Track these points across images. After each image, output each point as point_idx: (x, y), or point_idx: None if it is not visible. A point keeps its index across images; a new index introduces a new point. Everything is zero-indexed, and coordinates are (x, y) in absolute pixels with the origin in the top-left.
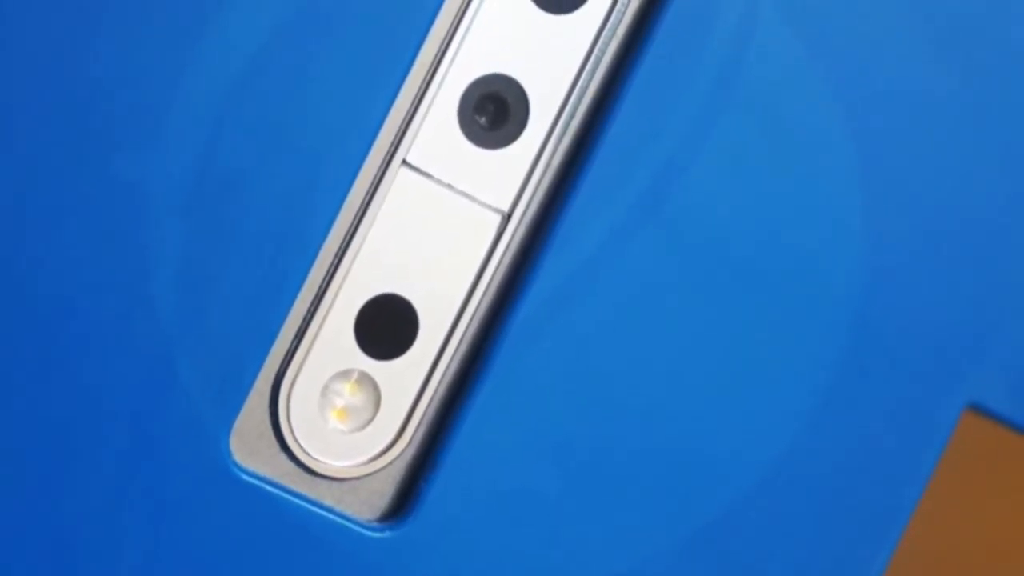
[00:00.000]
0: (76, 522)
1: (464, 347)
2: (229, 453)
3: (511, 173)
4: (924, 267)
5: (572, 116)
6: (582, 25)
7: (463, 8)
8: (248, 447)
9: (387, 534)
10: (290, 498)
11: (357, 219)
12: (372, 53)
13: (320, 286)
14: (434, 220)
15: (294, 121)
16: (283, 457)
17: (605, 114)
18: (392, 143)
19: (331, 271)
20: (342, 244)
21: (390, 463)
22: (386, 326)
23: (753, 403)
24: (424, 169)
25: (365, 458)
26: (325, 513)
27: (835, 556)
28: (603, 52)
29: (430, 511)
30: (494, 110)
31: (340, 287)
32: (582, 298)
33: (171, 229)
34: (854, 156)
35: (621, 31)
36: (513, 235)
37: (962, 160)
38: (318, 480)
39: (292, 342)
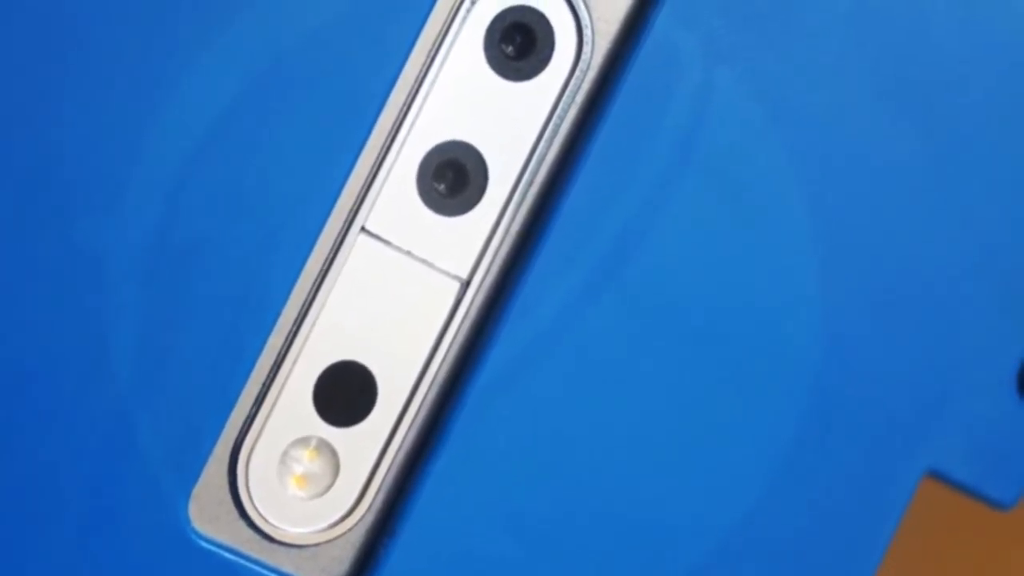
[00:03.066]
0: None
1: (423, 414)
2: (188, 519)
3: (470, 240)
4: (882, 333)
5: (531, 183)
6: (541, 92)
7: (422, 75)
8: (207, 513)
9: None
10: (249, 565)
11: (316, 286)
12: (331, 120)
13: (279, 353)
14: (393, 287)
15: (253, 188)
16: (242, 524)
17: (564, 181)
18: (351, 210)
19: (290, 338)
20: (301, 311)
21: (349, 530)
22: (345, 393)
23: (713, 469)
24: (383, 236)
25: (324, 525)
26: None
27: None
28: (562, 119)
29: None
30: (453, 177)
31: (299, 354)
32: (541, 365)
33: (130, 296)
34: (812, 222)
35: (580, 98)
36: (472, 302)
37: (919, 226)
38: (277, 547)
39: (251, 409)
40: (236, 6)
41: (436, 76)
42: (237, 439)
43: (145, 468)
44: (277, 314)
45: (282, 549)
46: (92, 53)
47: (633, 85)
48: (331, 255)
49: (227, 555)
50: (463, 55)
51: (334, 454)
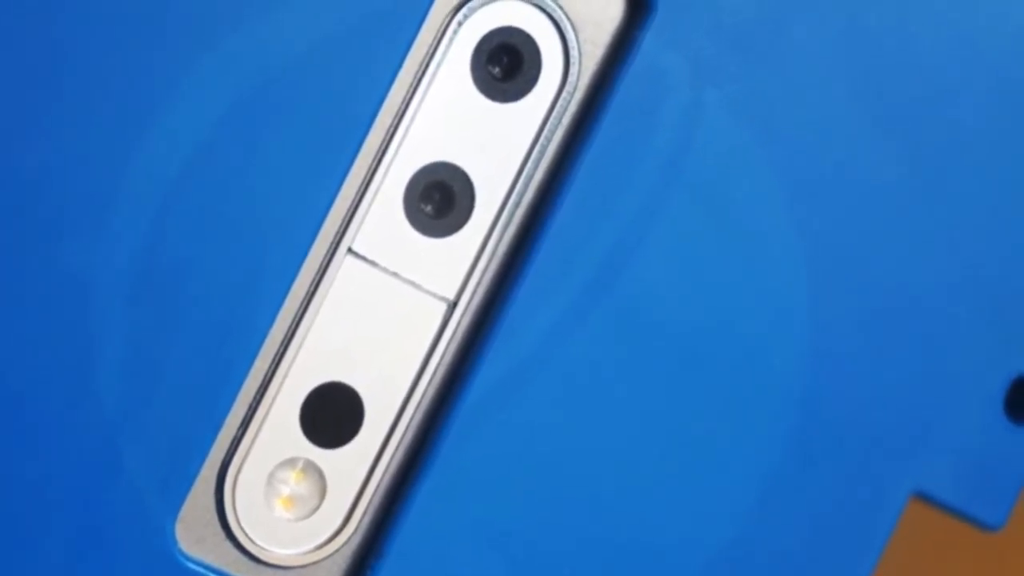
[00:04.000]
0: None
1: (410, 435)
2: (175, 541)
3: (457, 261)
4: (870, 353)
5: (518, 204)
6: (528, 114)
7: (409, 96)
8: (194, 535)
9: None
10: None
11: (303, 307)
12: (318, 141)
13: (266, 374)
14: (380, 308)
15: (240, 209)
16: (229, 545)
17: (551, 203)
18: (338, 231)
19: (277, 359)
20: (288, 332)
21: (336, 551)
22: (332, 414)
23: (700, 490)
24: (370, 257)
25: (311, 546)
26: None
27: None
28: (549, 140)
29: None
30: (440, 198)
31: (286, 375)
32: (528, 386)
33: (116, 317)
34: (800, 243)
35: (567, 119)
36: (459, 323)
37: (907, 246)
38: (264, 568)
39: (238, 430)
40: (222, 27)
41: (423, 97)
42: (224, 460)
43: (132, 489)
44: (264, 335)
45: (269, 570)
46: (78, 73)
47: (620, 106)
48: (318, 276)
49: None
50: (450, 76)
51: (321, 475)
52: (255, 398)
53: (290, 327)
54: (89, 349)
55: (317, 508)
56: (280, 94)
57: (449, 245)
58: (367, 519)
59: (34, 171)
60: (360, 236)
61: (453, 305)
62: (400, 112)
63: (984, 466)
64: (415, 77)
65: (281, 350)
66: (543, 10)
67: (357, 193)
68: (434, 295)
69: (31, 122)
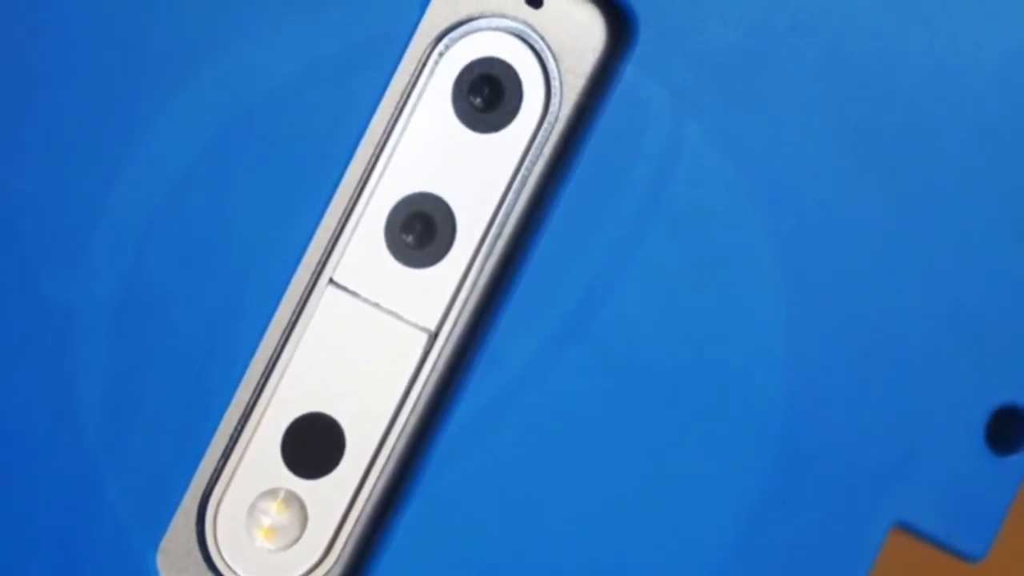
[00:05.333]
0: None
1: (391, 466)
2: (156, 571)
3: (438, 291)
4: (850, 386)
5: (499, 235)
6: (509, 144)
7: (390, 126)
8: (175, 565)
9: None
10: None
11: (284, 337)
12: (299, 172)
13: (247, 405)
14: (361, 339)
15: (221, 240)
16: None
17: (532, 233)
18: (319, 261)
19: (258, 390)
20: (269, 362)
21: None
22: (313, 445)
23: (680, 522)
24: (351, 288)
25: None
26: None
27: None
28: (530, 171)
29: None
30: (421, 229)
31: (267, 406)
32: (509, 417)
33: (97, 348)
34: (780, 276)
35: (548, 150)
36: (440, 353)
37: (887, 279)
38: None
39: (219, 461)
40: (203, 59)
41: (404, 128)
42: (205, 491)
43: (113, 520)
44: (245, 365)
45: None
46: (58, 105)
47: (601, 137)
48: (299, 307)
49: None
50: (431, 106)
51: (302, 506)
52: (236, 428)
53: (271, 357)
54: (71, 380)
55: (298, 538)
56: (261, 125)
57: (430, 275)
58: (348, 549)
59: (16, 202)
60: (341, 266)
61: (434, 335)
62: (381, 142)
63: (965, 497)
64: (396, 107)
65: (262, 380)
66: (524, 40)
67: (338, 223)
68: (415, 325)
69: (12, 153)
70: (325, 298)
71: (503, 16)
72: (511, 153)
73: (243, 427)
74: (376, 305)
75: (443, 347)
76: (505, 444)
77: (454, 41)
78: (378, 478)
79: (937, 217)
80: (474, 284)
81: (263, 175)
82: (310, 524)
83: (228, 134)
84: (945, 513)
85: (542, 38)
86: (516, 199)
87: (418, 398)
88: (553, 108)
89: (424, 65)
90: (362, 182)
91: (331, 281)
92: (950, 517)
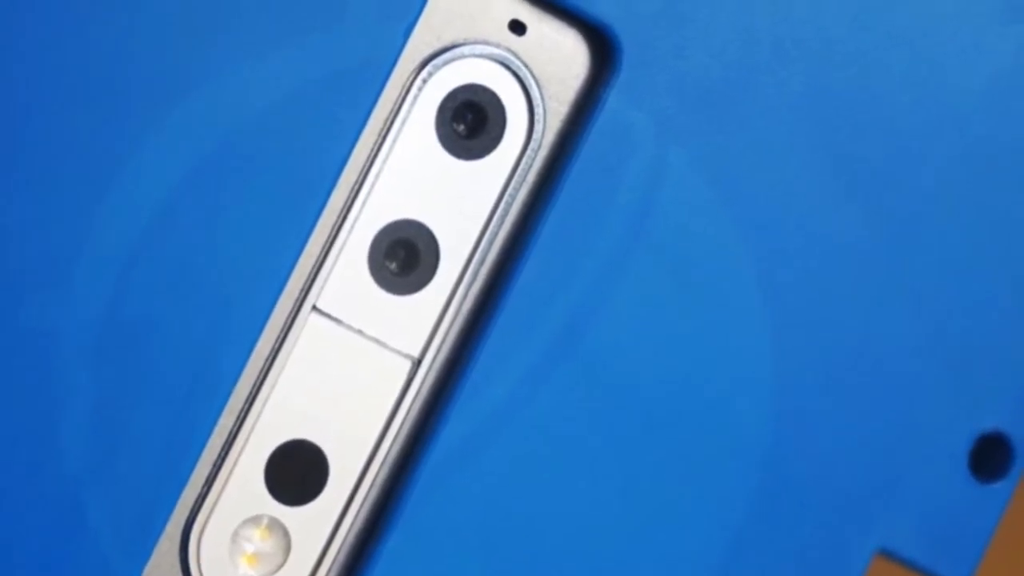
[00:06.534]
0: None
1: (374, 493)
2: None
3: (421, 319)
4: (834, 411)
5: (482, 262)
6: (492, 171)
7: (374, 153)
8: None
9: None
10: None
11: (267, 365)
12: (283, 199)
13: (230, 432)
14: (344, 366)
15: (204, 267)
16: None
17: (515, 260)
18: (302, 289)
19: (241, 416)
20: (252, 389)
21: None
22: (296, 472)
23: (665, 548)
24: (334, 315)
25: None
26: None
27: None
28: (513, 198)
29: None
30: (404, 256)
31: (250, 433)
32: (492, 443)
33: (80, 375)
34: (763, 301)
35: (531, 177)
36: (424, 380)
37: (870, 305)
38: None
39: (202, 487)
40: (187, 86)
41: (388, 154)
42: (188, 518)
43: (96, 547)
44: (229, 393)
45: None
46: (43, 131)
47: (585, 164)
48: (282, 334)
49: None
50: (415, 134)
51: (285, 533)
52: (220, 455)
53: (255, 384)
54: (54, 407)
55: (282, 566)
56: (245, 152)
57: (414, 302)
58: None
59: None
60: (325, 294)
61: (418, 363)
62: (365, 169)
63: (949, 524)
64: (380, 135)
65: (246, 407)
66: (507, 67)
67: (322, 251)
68: (399, 352)
69: None
70: (308, 325)
71: (486, 43)
72: (494, 180)
73: (226, 454)
74: (359, 332)
75: (427, 374)
76: (489, 471)
77: (437, 68)
78: (361, 505)
79: (921, 243)
80: (458, 311)
81: (247, 202)
82: (293, 551)
83: (212, 161)
84: (929, 540)
85: (525, 65)
86: (500, 226)
87: (402, 425)
88: (536, 135)
89: (407, 92)
90: (345, 209)
91: (314, 308)
92: (934, 544)
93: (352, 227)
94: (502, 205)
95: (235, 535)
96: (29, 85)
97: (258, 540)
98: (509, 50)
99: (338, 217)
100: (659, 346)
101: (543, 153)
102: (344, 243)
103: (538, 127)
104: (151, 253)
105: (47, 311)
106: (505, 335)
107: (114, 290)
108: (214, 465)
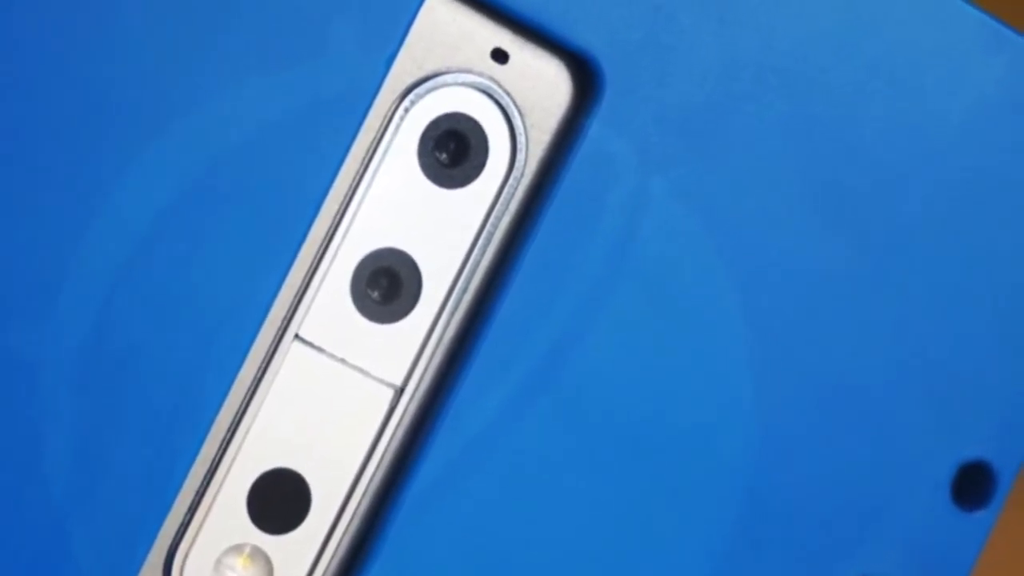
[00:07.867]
0: None
1: (357, 521)
2: None
3: (404, 347)
4: (817, 440)
5: (465, 290)
6: (474, 200)
7: (356, 182)
8: None
9: None
10: None
11: (250, 393)
12: (265, 227)
13: (213, 460)
14: (327, 394)
15: (186, 296)
16: None
17: (498, 288)
18: (285, 317)
19: (224, 445)
20: (235, 418)
21: None
22: (279, 500)
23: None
24: (317, 343)
25: None
26: None
27: None
28: (495, 226)
29: None
30: (387, 284)
31: (233, 461)
32: (475, 471)
33: (63, 403)
34: (746, 330)
35: (514, 205)
36: (406, 409)
37: (854, 334)
38: None
39: (185, 516)
40: (169, 114)
41: (370, 183)
42: (171, 546)
43: (79, 574)
44: (211, 421)
45: None
46: (24, 159)
47: (567, 193)
48: (265, 362)
49: None
50: (397, 162)
51: (268, 561)
52: (202, 484)
53: (237, 413)
54: (37, 434)
55: None
56: (227, 180)
57: (396, 331)
58: None
59: None
60: (307, 322)
61: (400, 391)
62: (347, 198)
63: (932, 552)
64: (362, 163)
65: (228, 436)
66: (490, 96)
67: (304, 279)
68: (381, 381)
69: None
70: (291, 354)
71: (469, 71)
72: (477, 208)
73: (209, 482)
74: (342, 361)
75: (409, 402)
76: (471, 499)
77: (420, 97)
78: (344, 534)
79: (903, 272)
80: (440, 339)
81: (229, 230)
82: None
83: (195, 189)
84: (911, 568)
85: (508, 93)
86: (482, 254)
87: (384, 453)
88: (519, 163)
89: (390, 120)
90: (328, 237)
91: (297, 336)
92: (916, 572)
93: (334, 256)
94: (484, 234)
95: (218, 563)
96: (12, 113)
97: (240, 568)
98: (491, 79)
99: (320, 246)
100: (642, 374)
101: (525, 182)
102: (327, 272)
103: (520, 156)
104: (134, 281)
105: (30, 338)
106: (487, 363)
107: (97, 318)
108: (197, 493)
